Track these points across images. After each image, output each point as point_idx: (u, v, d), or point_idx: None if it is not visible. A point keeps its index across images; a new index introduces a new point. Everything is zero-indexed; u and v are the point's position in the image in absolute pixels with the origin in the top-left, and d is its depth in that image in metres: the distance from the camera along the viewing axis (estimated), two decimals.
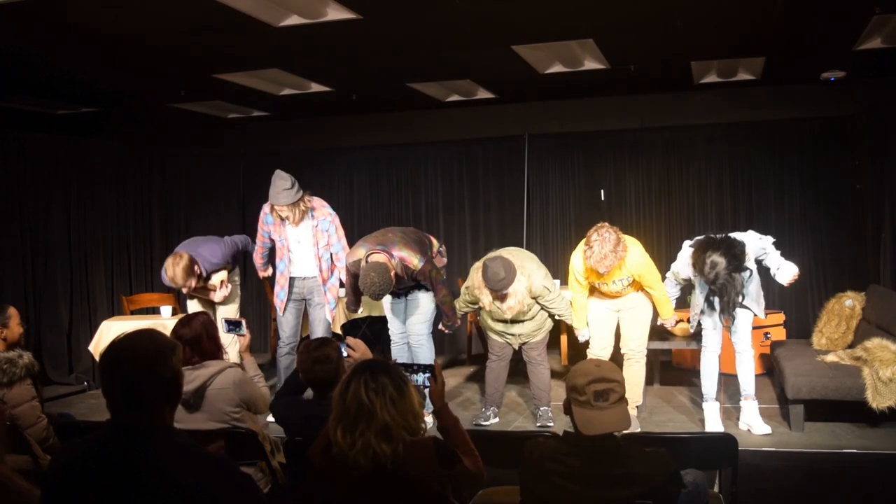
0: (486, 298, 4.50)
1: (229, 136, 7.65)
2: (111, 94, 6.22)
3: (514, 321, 4.65)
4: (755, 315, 4.54)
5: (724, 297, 4.20)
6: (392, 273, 4.36)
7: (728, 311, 4.31)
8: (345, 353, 3.10)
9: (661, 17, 4.45)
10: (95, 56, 4.98)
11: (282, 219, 5.03)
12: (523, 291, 4.42)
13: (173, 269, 4.92)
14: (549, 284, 4.60)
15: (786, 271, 4.38)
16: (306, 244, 5.13)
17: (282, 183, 4.91)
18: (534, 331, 4.75)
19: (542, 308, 4.67)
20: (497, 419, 4.94)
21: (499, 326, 4.75)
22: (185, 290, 5.14)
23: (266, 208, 5.11)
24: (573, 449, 2.16)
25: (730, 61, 5.77)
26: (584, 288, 4.63)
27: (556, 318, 4.79)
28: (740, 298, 4.30)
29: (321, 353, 2.92)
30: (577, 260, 4.50)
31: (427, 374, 2.55)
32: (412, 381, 2.34)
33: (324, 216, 5.12)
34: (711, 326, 4.56)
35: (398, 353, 4.96)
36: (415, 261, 4.50)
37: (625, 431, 2.29)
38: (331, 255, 5.19)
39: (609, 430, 2.11)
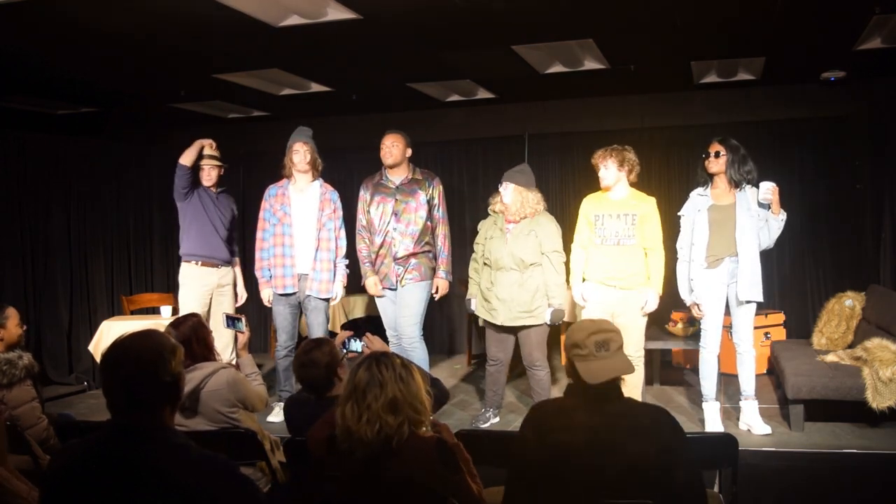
0: (497, 204, 4.75)
1: (229, 136, 7.64)
2: (111, 94, 6.22)
3: (506, 272, 4.63)
4: (754, 301, 4.52)
5: (730, 168, 4.49)
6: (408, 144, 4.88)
7: (732, 180, 4.52)
8: (360, 350, 3.11)
9: (661, 17, 4.45)
10: (95, 56, 4.98)
11: (286, 188, 5.05)
12: (527, 199, 4.65)
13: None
14: (559, 244, 4.69)
15: (763, 187, 4.42)
16: (310, 214, 5.03)
17: (305, 129, 5.10)
18: (523, 308, 4.59)
19: (541, 262, 4.65)
20: (497, 419, 4.93)
21: (489, 292, 4.70)
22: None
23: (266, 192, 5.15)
24: (576, 401, 2.19)
25: (730, 61, 5.77)
26: (588, 232, 4.67)
27: (549, 297, 4.63)
28: (743, 180, 4.52)
29: (308, 358, 2.94)
30: (586, 199, 4.79)
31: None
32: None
33: (332, 190, 5.17)
34: (712, 326, 4.55)
35: None
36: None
37: None
38: (335, 237, 5.10)
39: (614, 374, 2.15)
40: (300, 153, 4.98)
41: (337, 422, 2.15)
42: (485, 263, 4.82)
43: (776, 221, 4.48)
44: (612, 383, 2.16)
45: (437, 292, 4.99)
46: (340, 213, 5.14)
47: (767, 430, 4.46)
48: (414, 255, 4.85)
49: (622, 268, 4.54)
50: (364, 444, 2.08)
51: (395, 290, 4.89)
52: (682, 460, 2.11)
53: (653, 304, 4.59)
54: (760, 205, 4.49)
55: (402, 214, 4.82)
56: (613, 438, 2.09)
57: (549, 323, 4.66)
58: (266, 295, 5.09)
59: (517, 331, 4.74)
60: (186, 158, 5.10)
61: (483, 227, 4.89)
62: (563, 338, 6.66)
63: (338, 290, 5.09)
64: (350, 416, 2.11)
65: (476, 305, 4.89)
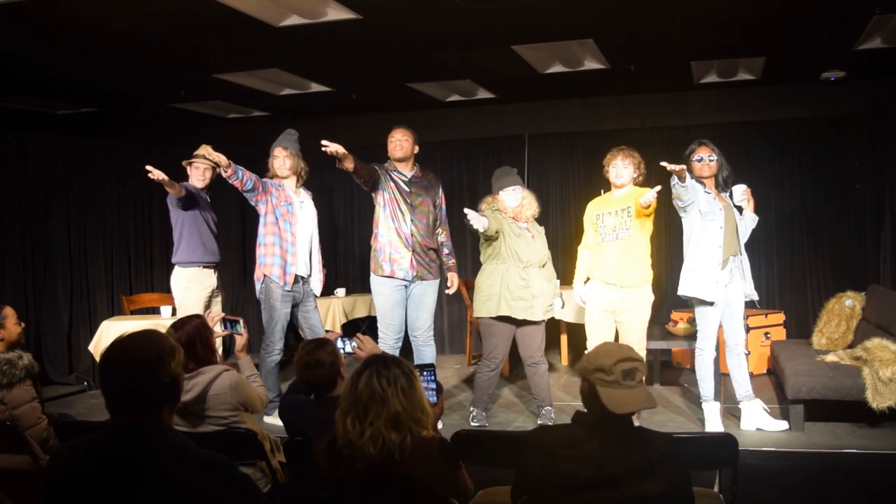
0: (510, 208, 4.71)
1: (229, 136, 7.65)
2: (111, 94, 6.22)
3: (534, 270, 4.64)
4: (750, 298, 4.54)
5: (720, 171, 4.48)
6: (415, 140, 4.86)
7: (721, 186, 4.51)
8: (350, 351, 3.11)
9: (661, 17, 4.46)
10: (95, 56, 4.98)
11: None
12: (531, 199, 4.77)
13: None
14: (548, 257, 4.82)
15: (738, 190, 4.45)
16: (309, 220, 5.05)
17: (290, 133, 5.08)
18: (549, 302, 4.71)
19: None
20: (486, 423, 4.88)
21: (524, 290, 4.59)
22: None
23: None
24: (588, 431, 2.13)
25: (730, 61, 5.77)
26: (592, 233, 4.69)
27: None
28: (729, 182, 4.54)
29: (313, 358, 2.92)
30: (590, 203, 4.83)
31: (431, 377, 2.54)
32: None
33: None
34: (712, 327, 4.53)
35: None
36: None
37: None
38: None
39: (640, 407, 2.12)
40: (279, 159, 4.97)
41: (338, 430, 2.13)
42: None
43: (752, 223, 4.54)
44: (627, 414, 2.13)
45: (451, 285, 4.99)
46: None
47: (784, 425, 4.45)
48: (431, 248, 4.85)
49: (623, 266, 4.53)
50: (367, 457, 2.07)
51: (410, 282, 4.80)
52: (682, 494, 2.10)
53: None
54: (736, 207, 4.52)
55: (417, 207, 4.81)
56: (625, 472, 2.04)
57: (560, 309, 4.96)
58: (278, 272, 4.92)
59: (522, 328, 4.72)
60: (174, 191, 5.06)
61: (494, 217, 4.70)
62: (563, 337, 6.66)
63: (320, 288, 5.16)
64: (352, 430, 2.08)
65: (504, 306, 4.65)
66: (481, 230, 4.47)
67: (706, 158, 4.44)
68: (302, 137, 5.12)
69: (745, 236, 4.55)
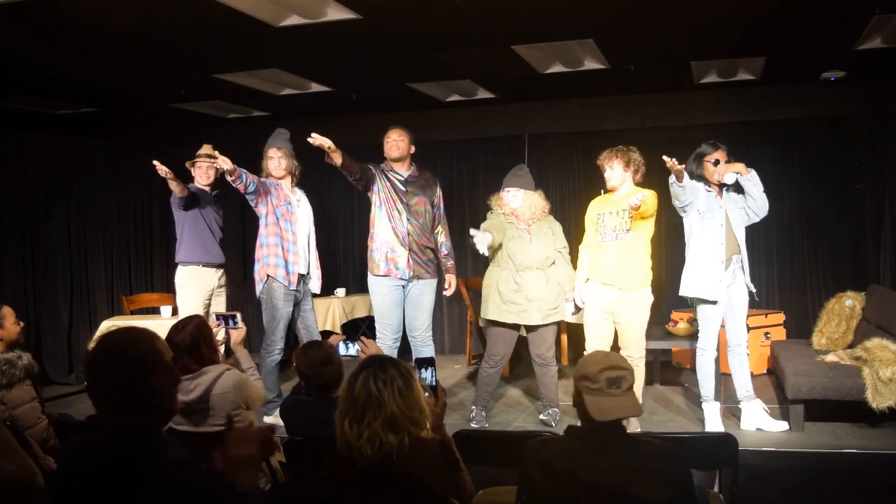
0: (506, 206, 4.69)
1: (229, 136, 7.64)
2: (111, 94, 6.22)
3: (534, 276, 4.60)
4: (750, 291, 4.53)
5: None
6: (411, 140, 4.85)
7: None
8: (354, 354, 3.11)
9: (661, 17, 4.45)
10: (95, 56, 4.98)
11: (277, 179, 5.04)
12: (535, 202, 4.71)
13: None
14: (564, 243, 4.84)
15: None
16: (307, 220, 5.08)
17: (282, 132, 5.07)
18: (551, 305, 4.63)
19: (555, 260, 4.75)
20: (486, 423, 4.88)
21: (516, 294, 4.58)
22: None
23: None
24: (582, 443, 2.13)
25: (730, 61, 5.77)
26: (593, 232, 4.67)
27: (565, 292, 4.74)
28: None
29: (323, 354, 2.93)
30: (592, 202, 4.79)
31: (432, 373, 2.54)
32: (420, 378, 2.36)
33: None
34: (715, 327, 4.52)
35: None
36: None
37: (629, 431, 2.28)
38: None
39: (623, 415, 2.11)
40: (274, 160, 4.98)
41: (336, 432, 2.13)
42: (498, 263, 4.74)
43: (747, 181, 4.41)
44: (617, 423, 2.12)
45: (449, 287, 4.97)
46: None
47: (784, 426, 4.45)
48: (428, 248, 4.83)
49: (622, 267, 4.53)
50: (365, 457, 2.07)
51: (407, 281, 4.79)
52: (685, 498, 2.11)
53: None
54: (728, 187, 4.48)
55: (413, 207, 4.80)
56: (623, 482, 2.04)
57: (573, 314, 4.79)
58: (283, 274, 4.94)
59: (530, 329, 4.72)
60: (177, 189, 5.10)
61: (498, 223, 4.69)
62: (564, 337, 6.66)
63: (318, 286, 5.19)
64: (350, 432, 2.08)
65: (494, 310, 4.71)
66: (487, 253, 4.54)
67: (723, 163, 4.43)
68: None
69: (759, 207, 4.44)
